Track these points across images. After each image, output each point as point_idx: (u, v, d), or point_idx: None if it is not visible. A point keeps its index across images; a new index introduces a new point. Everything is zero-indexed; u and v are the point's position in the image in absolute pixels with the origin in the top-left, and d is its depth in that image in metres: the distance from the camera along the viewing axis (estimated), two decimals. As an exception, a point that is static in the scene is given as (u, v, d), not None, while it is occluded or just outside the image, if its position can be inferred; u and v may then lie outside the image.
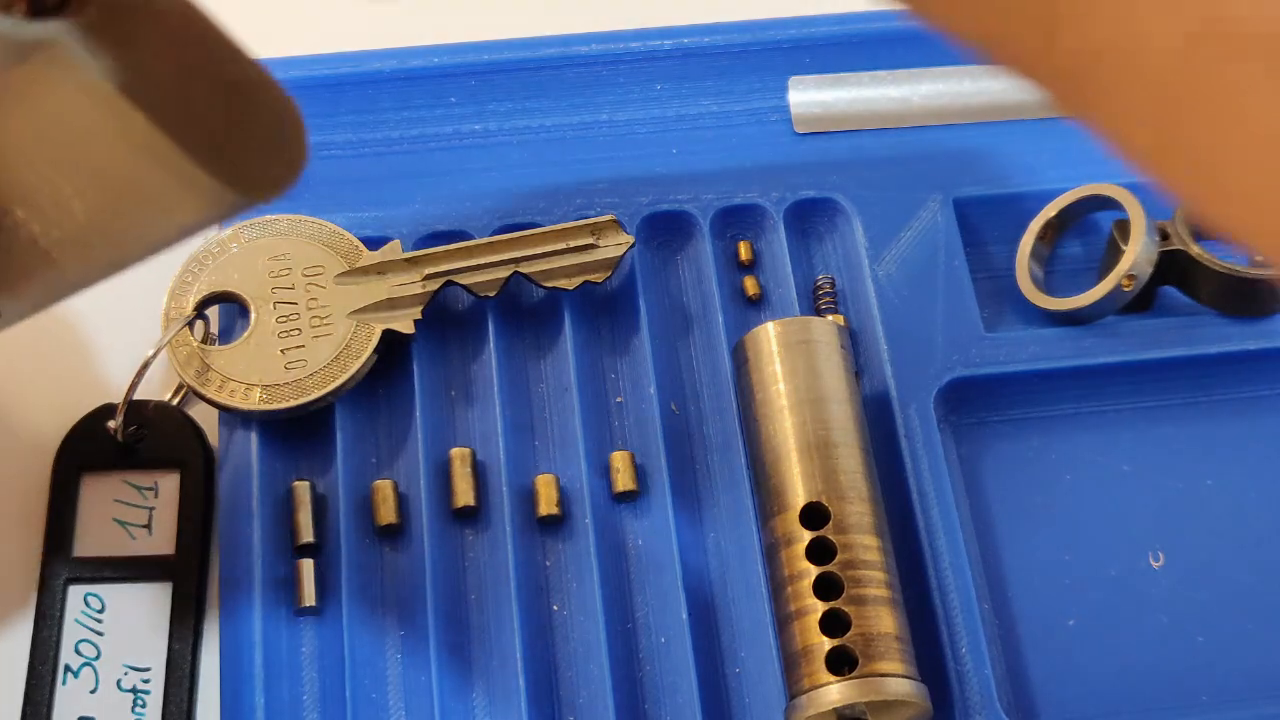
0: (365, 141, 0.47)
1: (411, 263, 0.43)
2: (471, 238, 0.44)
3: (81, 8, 0.27)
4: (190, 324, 0.42)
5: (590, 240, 0.43)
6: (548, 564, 0.41)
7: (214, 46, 0.30)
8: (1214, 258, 0.43)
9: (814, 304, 0.44)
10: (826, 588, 0.38)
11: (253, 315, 0.42)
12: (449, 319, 0.44)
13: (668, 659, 0.40)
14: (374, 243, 0.43)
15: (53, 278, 0.32)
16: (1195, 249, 0.43)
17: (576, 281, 0.43)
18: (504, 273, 0.43)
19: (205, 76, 0.29)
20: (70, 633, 0.40)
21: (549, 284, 0.43)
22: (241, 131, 0.30)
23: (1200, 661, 0.40)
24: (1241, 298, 0.43)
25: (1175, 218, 0.43)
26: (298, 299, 0.42)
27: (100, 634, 0.40)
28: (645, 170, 0.46)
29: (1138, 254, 0.43)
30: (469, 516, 0.41)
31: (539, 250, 0.43)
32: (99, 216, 0.30)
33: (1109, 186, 0.44)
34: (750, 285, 0.45)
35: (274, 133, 0.30)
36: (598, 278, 0.43)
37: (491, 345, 0.43)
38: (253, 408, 0.41)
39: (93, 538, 0.41)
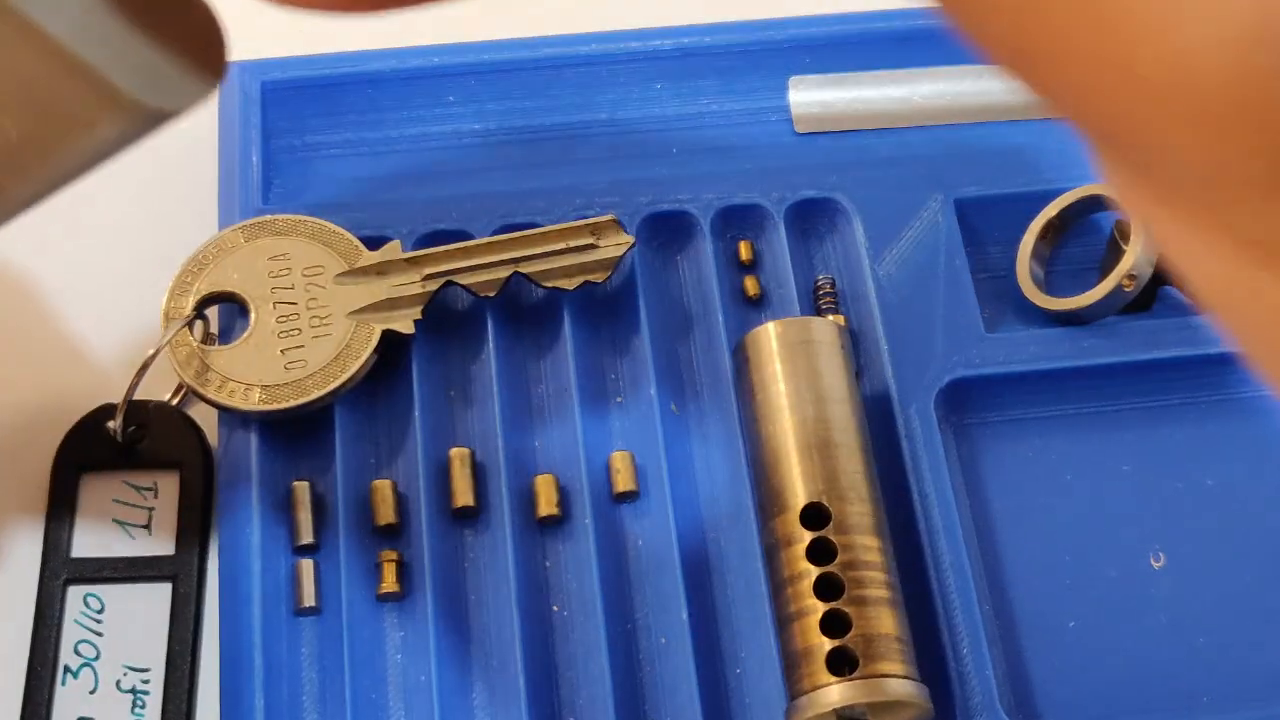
0: (365, 141, 0.47)
1: (411, 263, 0.43)
2: (471, 238, 0.44)
3: None
4: (190, 324, 0.42)
5: (590, 240, 0.43)
6: (548, 564, 0.41)
7: None
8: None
9: (814, 304, 0.44)
10: (827, 588, 0.38)
11: (252, 315, 0.42)
12: (449, 319, 0.44)
13: (668, 659, 0.40)
14: (374, 243, 0.43)
15: None
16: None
17: (576, 281, 0.43)
18: (504, 273, 0.43)
19: None
20: (69, 633, 0.40)
21: (549, 284, 0.43)
22: (158, 42, 0.30)
23: (1201, 662, 0.40)
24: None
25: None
26: (297, 299, 0.42)
27: (100, 634, 0.40)
28: (645, 170, 0.46)
29: (1138, 254, 0.43)
30: (468, 516, 0.41)
31: (539, 250, 0.43)
32: (30, 135, 0.31)
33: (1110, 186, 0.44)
34: (751, 285, 0.45)
35: (191, 42, 0.31)
36: (598, 278, 0.43)
37: (491, 345, 0.43)
38: (252, 408, 0.41)
39: (92, 538, 0.41)
